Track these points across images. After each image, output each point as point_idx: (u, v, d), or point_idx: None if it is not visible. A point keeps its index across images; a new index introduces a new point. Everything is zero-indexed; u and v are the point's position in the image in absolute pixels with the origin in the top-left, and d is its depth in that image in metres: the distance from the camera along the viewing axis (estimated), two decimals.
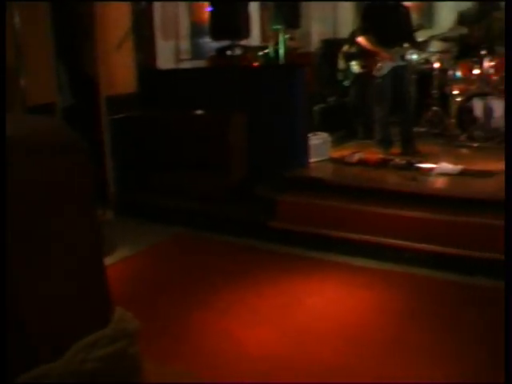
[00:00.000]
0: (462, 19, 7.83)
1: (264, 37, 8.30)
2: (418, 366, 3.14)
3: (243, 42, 7.19)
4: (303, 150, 5.98)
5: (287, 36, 7.17)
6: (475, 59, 6.84)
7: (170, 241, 5.37)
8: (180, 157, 5.87)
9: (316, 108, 7.63)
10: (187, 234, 5.52)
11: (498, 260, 4.31)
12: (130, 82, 6.34)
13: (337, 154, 6.42)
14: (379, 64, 6.08)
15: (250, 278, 4.39)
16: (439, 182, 5.37)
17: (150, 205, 6.09)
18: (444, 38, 7.26)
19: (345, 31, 8.83)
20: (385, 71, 6.11)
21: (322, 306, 3.92)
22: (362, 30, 6.36)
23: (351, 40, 7.61)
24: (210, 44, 7.14)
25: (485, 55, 6.67)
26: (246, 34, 6.70)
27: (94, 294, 0.79)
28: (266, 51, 7.34)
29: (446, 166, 5.66)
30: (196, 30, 7.36)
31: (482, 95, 6.64)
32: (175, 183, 6.04)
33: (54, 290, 0.73)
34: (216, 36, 6.65)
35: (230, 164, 5.90)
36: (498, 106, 6.56)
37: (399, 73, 6.20)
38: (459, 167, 5.57)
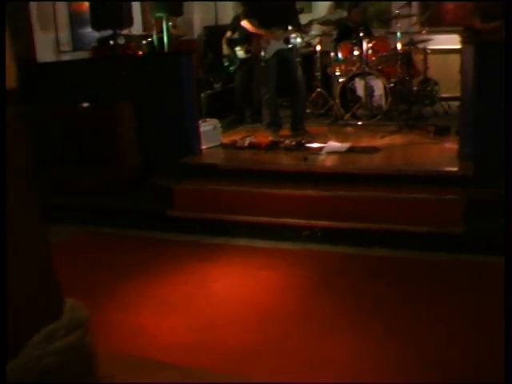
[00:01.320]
0: (340, 3, 8.13)
1: (146, 25, 8.16)
2: (327, 336, 3.28)
3: (125, 32, 7.04)
4: (195, 136, 5.98)
5: (170, 24, 7.09)
6: (354, 41, 7.12)
7: (68, 240, 5.20)
8: (70, 152, 5.68)
9: (203, 95, 7.65)
10: (86, 231, 5.39)
11: (390, 230, 4.59)
12: (10, 78, 6.04)
13: (228, 139, 6.49)
14: (264, 46, 6.14)
15: (155, 270, 4.36)
16: (329, 160, 5.58)
17: (42, 205, 5.85)
18: (325, 21, 7.47)
19: (226, 18, 8.90)
20: (270, 54, 6.18)
21: (228, 289, 3.98)
22: (246, 14, 6.37)
23: (234, 26, 7.68)
24: (91, 34, 6.92)
25: (363, 37, 6.95)
26: (128, 22, 6.53)
27: (43, 286, 0.78)
28: (150, 40, 7.22)
29: (334, 144, 5.88)
30: (76, 20, 7.11)
31: (363, 75, 6.93)
32: (67, 180, 5.84)
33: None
34: (97, 26, 6.43)
35: (122, 155, 5.79)
36: (378, 85, 6.89)
37: (285, 55, 6.25)
38: (346, 145, 5.81)
